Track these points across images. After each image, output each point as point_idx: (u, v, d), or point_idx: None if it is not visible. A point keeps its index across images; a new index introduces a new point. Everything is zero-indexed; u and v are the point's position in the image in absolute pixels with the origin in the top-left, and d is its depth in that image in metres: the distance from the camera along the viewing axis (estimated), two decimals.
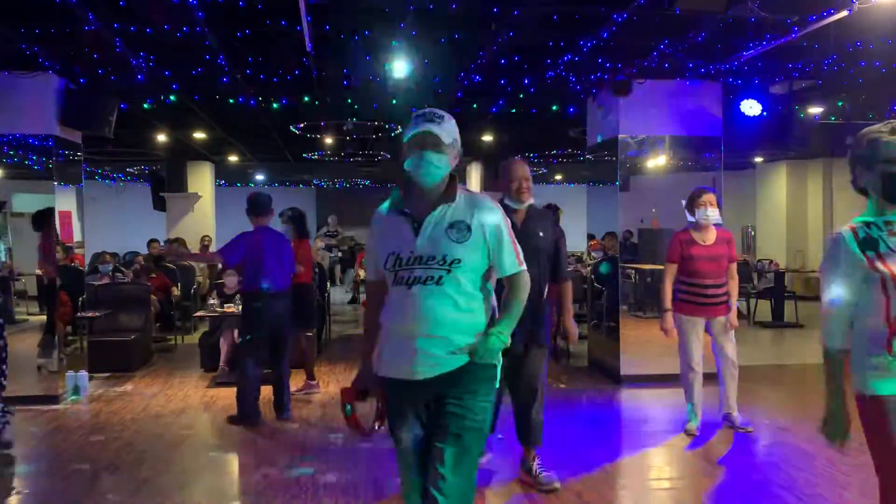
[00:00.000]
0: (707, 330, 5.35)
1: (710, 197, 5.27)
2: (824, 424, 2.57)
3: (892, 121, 2.48)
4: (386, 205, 2.64)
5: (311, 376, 6.92)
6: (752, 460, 4.94)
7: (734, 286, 5.38)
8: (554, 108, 8.78)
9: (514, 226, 4.15)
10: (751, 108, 7.15)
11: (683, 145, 7.49)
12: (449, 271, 2.48)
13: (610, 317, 7.70)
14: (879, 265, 2.38)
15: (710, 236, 5.30)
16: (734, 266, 5.39)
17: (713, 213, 5.26)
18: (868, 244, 2.41)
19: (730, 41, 6.22)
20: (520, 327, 4.22)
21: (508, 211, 4.22)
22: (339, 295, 15.44)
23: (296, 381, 6.65)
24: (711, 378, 5.51)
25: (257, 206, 5.88)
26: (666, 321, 5.26)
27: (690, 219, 5.42)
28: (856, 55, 6.52)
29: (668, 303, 5.26)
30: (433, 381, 2.50)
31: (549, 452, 4.82)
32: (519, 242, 4.11)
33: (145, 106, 8.36)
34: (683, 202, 6.89)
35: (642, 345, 7.27)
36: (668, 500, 4.38)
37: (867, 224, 2.46)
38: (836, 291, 2.44)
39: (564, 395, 6.77)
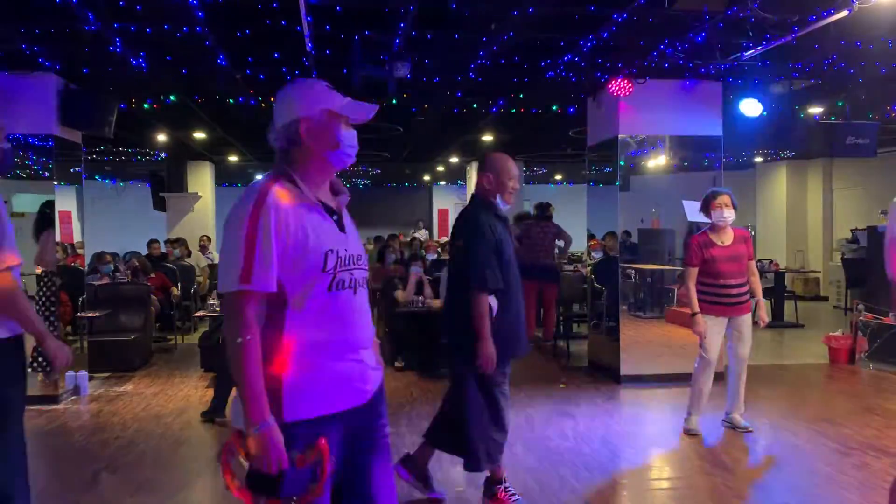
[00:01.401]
0: (726, 329, 5.37)
1: (725, 198, 5.31)
2: None
3: None
4: (276, 191, 2.03)
5: None
6: (752, 460, 4.94)
7: (756, 282, 5.46)
8: (554, 108, 8.78)
9: (503, 230, 3.82)
10: (751, 108, 7.16)
11: (683, 145, 7.49)
12: (365, 271, 2.20)
13: (610, 317, 7.70)
14: None
15: (728, 237, 5.35)
16: (753, 263, 5.45)
17: (730, 214, 5.31)
18: None
19: (730, 41, 6.22)
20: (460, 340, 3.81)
21: (496, 212, 3.85)
22: None
23: None
24: (717, 378, 5.53)
25: None
26: (699, 324, 5.25)
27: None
28: (856, 55, 6.52)
29: (696, 306, 5.27)
30: (370, 401, 2.15)
31: (550, 452, 4.83)
32: (507, 249, 3.79)
33: (145, 106, 8.36)
34: (684, 202, 6.89)
35: (642, 345, 7.28)
36: (668, 500, 4.38)
37: None
38: None
39: (564, 395, 6.76)
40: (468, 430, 3.83)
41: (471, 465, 3.92)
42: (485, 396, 3.86)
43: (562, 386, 7.15)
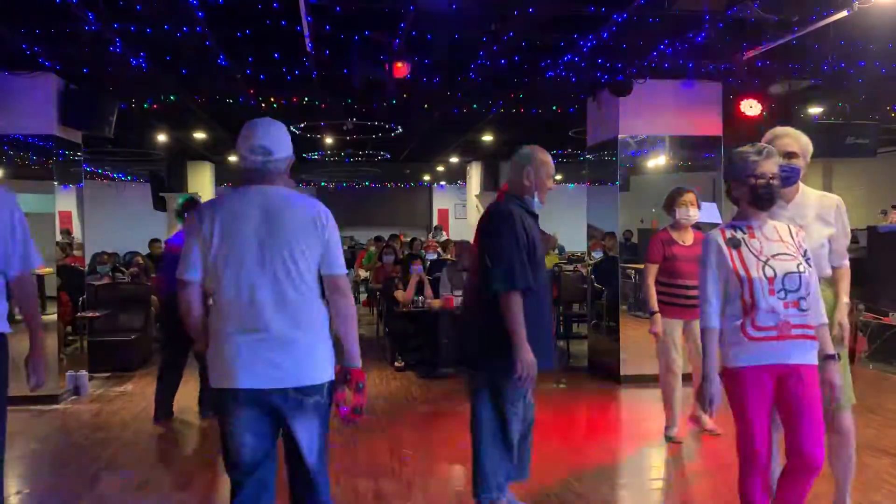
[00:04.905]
0: (684, 331, 5.21)
1: (690, 196, 5.21)
2: (701, 389, 2.96)
3: (759, 144, 3.05)
4: None
5: None
6: None
7: None
8: (554, 108, 8.77)
9: (536, 230, 3.52)
10: (751, 108, 7.15)
11: (683, 145, 7.50)
12: None
13: (610, 317, 7.70)
14: (738, 262, 2.92)
15: (689, 237, 5.23)
16: None
17: (694, 213, 5.20)
18: (733, 243, 2.97)
19: (730, 41, 6.22)
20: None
21: (530, 209, 3.54)
22: None
23: None
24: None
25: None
26: (656, 323, 5.11)
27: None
28: (856, 55, 6.51)
29: (655, 305, 5.12)
30: None
31: (550, 452, 4.82)
32: (538, 251, 3.49)
33: (145, 106, 8.36)
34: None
35: (642, 345, 7.25)
36: (668, 500, 4.38)
37: (734, 227, 3.02)
38: (712, 283, 2.99)
39: (564, 395, 6.76)
40: (481, 457, 3.51)
41: (481, 494, 3.54)
42: (497, 417, 3.48)
43: (562, 386, 7.15)
